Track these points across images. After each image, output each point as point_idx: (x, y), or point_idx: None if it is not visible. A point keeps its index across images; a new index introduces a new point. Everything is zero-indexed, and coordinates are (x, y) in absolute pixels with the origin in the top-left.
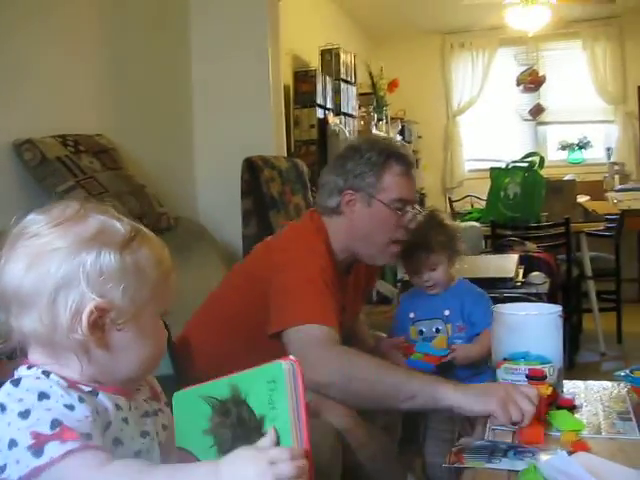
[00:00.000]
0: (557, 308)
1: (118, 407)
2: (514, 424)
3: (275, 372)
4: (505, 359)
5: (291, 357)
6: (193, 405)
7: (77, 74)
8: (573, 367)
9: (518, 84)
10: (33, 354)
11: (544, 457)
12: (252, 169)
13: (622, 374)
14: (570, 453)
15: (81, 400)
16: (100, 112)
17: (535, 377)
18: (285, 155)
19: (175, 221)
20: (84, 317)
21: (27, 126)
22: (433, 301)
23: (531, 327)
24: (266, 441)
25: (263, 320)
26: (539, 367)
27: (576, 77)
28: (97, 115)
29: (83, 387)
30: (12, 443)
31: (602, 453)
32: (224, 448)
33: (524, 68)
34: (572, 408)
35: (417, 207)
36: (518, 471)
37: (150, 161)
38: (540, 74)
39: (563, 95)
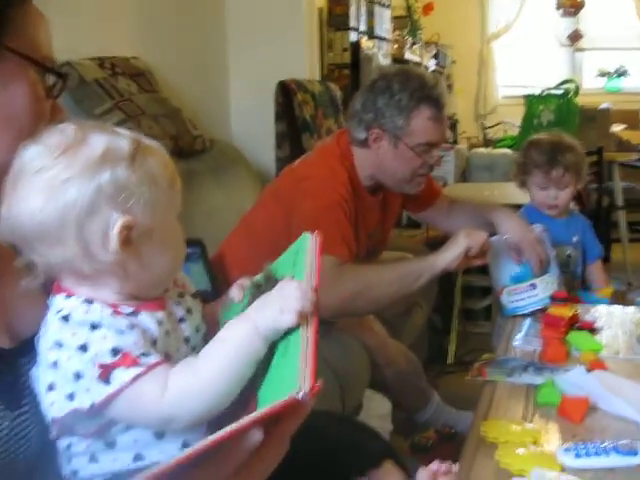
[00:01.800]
0: (536, 225)
1: (160, 323)
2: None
3: (299, 243)
4: (505, 286)
5: (316, 235)
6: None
7: None
8: None
9: (558, 7)
10: (66, 281)
11: (561, 373)
12: (286, 92)
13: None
14: (588, 371)
15: (130, 325)
16: (136, 35)
17: (558, 299)
18: (318, 78)
19: (210, 144)
20: (114, 238)
21: (66, 48)
22: (561, 227)
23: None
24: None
25: (290, 240)
26: (561, 290)
27: (616, 3)
28: (133, 38)
29: (124, 309)
30: (77, 376)
31: (619, 372)
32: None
33: None
34: (592, 330)
35: (444, 146)
36: (536, 385)
37: (185, 84)
38: None
39: (603, 21)
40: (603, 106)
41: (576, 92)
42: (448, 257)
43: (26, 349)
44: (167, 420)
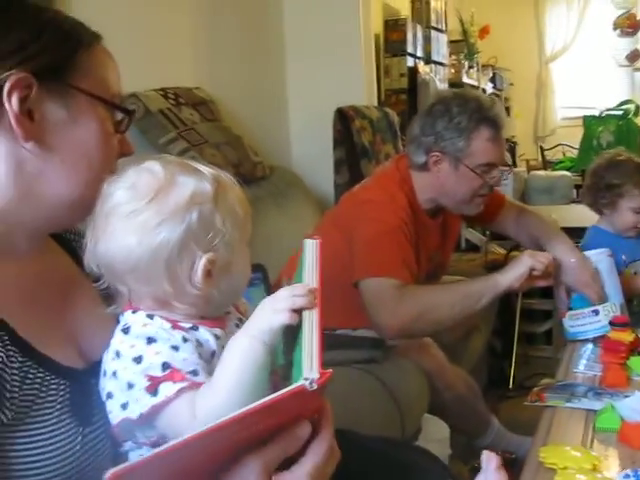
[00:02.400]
0: (605, 249)
1: (217, 337)
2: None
3: (303, 248)
4: (570, 308)
5: (315, 237)
6: None
7: (175, 29)
8: None
9: (615, 28)
10: (145, 305)
11: (621, 398)
12: (344, 119)
13: None
14: None
15: (184, 340)
16: (197, 65)
17: (618, 324)
18: (376, 104)
19: (270, 170)
20: (199, 274)
21: (131, 80)
22: (634, 245)
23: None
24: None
25: (349, 266)
26: (620, 315)
27: None
28: (195, 68)
29: (184, 325)
30: (130, 385)
31: None
32: None
33: (622, 11)
34: None
35: (503, 168)
36: (596, 410)
37: (245, 112)
38: (638, 17)
39: None
40: None
41: (636, 112)
42: (511, 276)
43: (97, 370)
44: None
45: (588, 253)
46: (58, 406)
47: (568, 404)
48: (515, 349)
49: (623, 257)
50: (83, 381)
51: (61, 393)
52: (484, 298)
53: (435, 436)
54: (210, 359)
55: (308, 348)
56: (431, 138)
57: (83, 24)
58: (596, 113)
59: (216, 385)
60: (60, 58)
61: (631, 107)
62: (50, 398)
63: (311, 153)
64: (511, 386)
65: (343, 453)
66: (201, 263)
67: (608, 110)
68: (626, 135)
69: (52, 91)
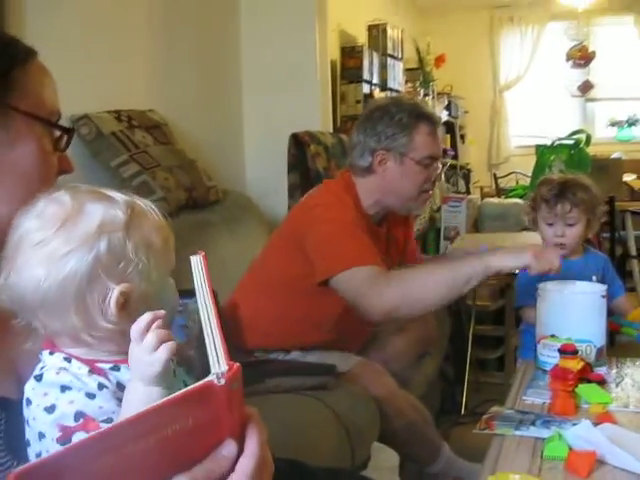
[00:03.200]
0: (601, 288)
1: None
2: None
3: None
4: (552, 335)
5: (200, 252)
6: None
7: (129, 51)
8: (613, 345)
9: (567, 59)
10: (63, 342)
11: (569, 426)
12: (298, 144)
13: None
14: (596, 424)
15: (100, 387)
16: (152, 88)
17: (566, 352)
18: (331, 130)
19: (223, 194)
20: (112, 305)
21: (84, 102)
22: (578, 266)
23: (574, 306)
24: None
25: (305, 273)
26: (571, 343)
27: (627, 53)
28: (149, 91)
29: (104, 366)
30: (41, 435)
31: (628, 425)
32: None
33: (574, 43)
34: (601, 382)
35: (441, 161)
36: (544, 438)
37: (200, 136)
38: (590, 50)
39: (613, 72)
40: (615, 155)
41: (587, 142)
42: (504, 264)
43: None
44: None
45: (579, 289)
46: None
47: (516, 432)
48: (467, 375)
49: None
50: (18, 412)
51: None
52: (473, 280)
53: (384, 464)
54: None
55: (210, 343)
56: (374, 139)
57: (17, 40)
58: (548, 142)
59: None
60: None
61: (582, 137)
62: None
63: (265, 177)
64: (463, 412)
65: None
66: (114, 295)
67: (560, 139)
68: (577, 164)
69: None
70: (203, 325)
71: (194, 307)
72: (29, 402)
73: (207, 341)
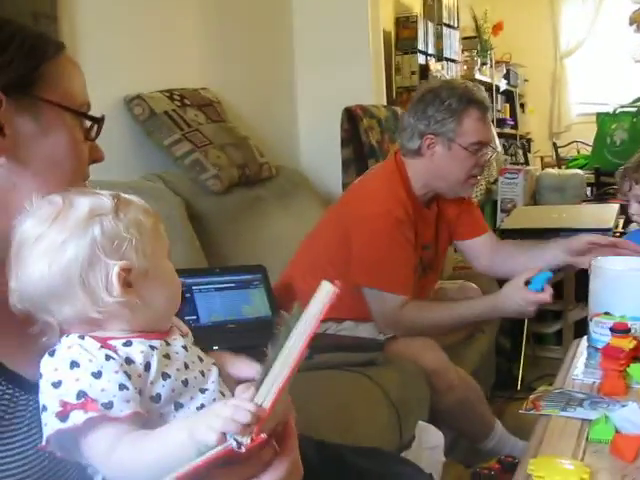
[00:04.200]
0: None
1: (153, 347)
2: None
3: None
4: (606, 313)
5: (337, 282)
6: None
7: (181, 30)
8: None
9: (631, 23)
10: (72, 328)
11: (617, 408)
12: (351, 118)
13: None
14: None
15: (108, 358)
16: (204, 66)
17: (618, 330)
18: (385, 103)
19: (276, 170)
20: (115, 282)
21: (137, 82)
22: None
23: (628, 283)
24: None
25: (349, 259)
26: (624, 321)
27: None
28: (201, 69)
29: (116, 342)
30: (44, 408)
31: None
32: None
33: (638, 6)
34: None
35: (492, 146)
36: (591, 420)
37: (252, 113)
38: None
39: None
40: None
41: None
42: (510, 313)
43: None
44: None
45: (634, 265)
46: (27, 422)
47: (563, 413)
48: (524, 349)
49: None
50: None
51: (30, 409)
52: (480, 319)
53: (429, 444)
54: (143, 372)
55: (270, 379)
56: (424, 122)
57: (47, 35)
58: (610, 110)
59: (144, 447)
60: (27, 71)
61: None
62: (19, 414)
63: (319, 152)
64: (519, 388)
65: (321, 467)
66: (114, 271)
67: (622, 107)
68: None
69: (21, 105)
70: (281, 353)
71: (289, 319)
72: (41, 376)
73: (270, 371)
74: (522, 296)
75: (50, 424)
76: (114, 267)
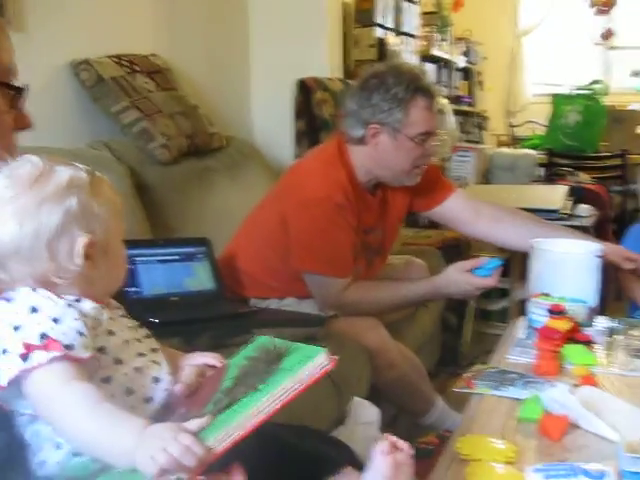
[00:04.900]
0: (596, 247)
1: (101, 308)
2: None
3: (315, 351)
4: (545, 294)
5: (335, 357)
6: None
7: None
8: (621, 299)
9: (591, 5)
10: (23, 283)
11: (547, 388)
12: (305, 91)
13: None
14: (576, 386)
15: (68, 306)
16: (155, 32)
17: (555, 312)
18: (342, 76)
19: (227, 141)
20: (79, 253)
21: (84, 46)
22: None
23: (567, 265)
24: (193, 423)
25: (288, 244)
26: (561, 302)
27: None
28: (152, 35)
29: (68, 298)
30: (5, 351)
31: (609, 388)
32: (239, 378)
33: None
34: (588, 343)
35: (438, 134)
36: (522, 400)
37: (205, 82)
38: None
39: (636, 19)
40: (632, 107)
41: (605, 93)
42: (453, 294)
43: None
44: (52, 422)
45: (573, 248)
46: None
47: (495, 392)
48: (469, 326)
49: None
50: None
51: None
52: (424, 300)
53: (363, 419)
54: (94, 325)
55: (232, 424)
56: (368, 111)
57: None
58: (566, 91)
59: (90, 413)
60: None
61: (599, 87)
62: None
63: (271, 124)
64: (463, 364)
65: (258, 445)
66: (80, 243)
67: (578, 89)
68: (593, 115)
69: None
70: (253, 401)
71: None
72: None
73: (235, 415)
74: (468, 280)
75: (12, 366)
76: (81, 239)
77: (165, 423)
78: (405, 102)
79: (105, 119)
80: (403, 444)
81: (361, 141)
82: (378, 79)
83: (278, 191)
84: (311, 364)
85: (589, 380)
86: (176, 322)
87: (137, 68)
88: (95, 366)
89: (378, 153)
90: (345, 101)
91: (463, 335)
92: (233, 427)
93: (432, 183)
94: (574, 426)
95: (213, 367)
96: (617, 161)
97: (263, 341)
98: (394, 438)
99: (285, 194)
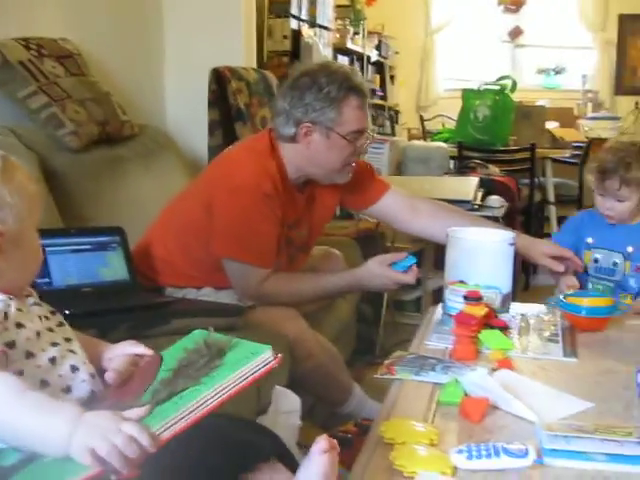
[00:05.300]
0: (509, 235)
1: (10, 299)
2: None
3: (261, 349)
4: (461, 281)
5: (279, 355)
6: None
7: None
8: (527, 289)
9: (499, 4)
10: None
11: (467, 372)
12: (219, 80)
13: (553, 300)
14: (494, 370)
15: None
16: (66, 15)
17: (471, 298)
18: (255, 66)
19: (140, 129)
20: None
21: None
22: (617, 233)
23: (481, 253)
24: (133, 412)
25: (210, 231)
26: (477, 289)
27: (558, 1)
28: (63, 18)
29: None
30: None
31: (525, 371)
32: (177, 370)
33: None
34: (505, 329)
35: (369, 132)
36: (442, 384)
37: (117, 68)
38: None
39: (543, 19)
40: (539, 103)
41: (513, 88)
42: (372, 288)
43: None
44: None
45: (487, 237)
46: None
47: (415, 377)
48: (384, 316)
49: (589, 240)
50: None
51: None
52: (343, 292)
53: (285, 408)
54: (2, 319)
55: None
56: (300, 110)
57: None
58: (475, 87)
59: (16, 399)
60: None
61: (507, 82)
62: None
63: (185, 113)
64: (378, 353)
65: (185, 433)
66: None
67: (486, 84)
68: (502, 109)
69: None
70: (197, 393)
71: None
72: None
73: (181, 404)
74: (387, 274)
75: None
76: None
77: (103, 411)
78: (338, 101)
79: (11, 104)
80: (335, 442)
81: (292, 139)
82: (310, 78)
83: (204, 180)
84: (257, 360)
85: (506, 364)
86: (89, 313)
87: (45, 52)
88: (3, 362)
89: (310, 151)
90: (275, 100)
91: (378, 325)
92: (175, 418)
93: (366, 181)
94: (493, 408)
95: (142, 357)
96: (526, 154)
97: (201, 334)
98: (328, 437)
99: (213, 182)
